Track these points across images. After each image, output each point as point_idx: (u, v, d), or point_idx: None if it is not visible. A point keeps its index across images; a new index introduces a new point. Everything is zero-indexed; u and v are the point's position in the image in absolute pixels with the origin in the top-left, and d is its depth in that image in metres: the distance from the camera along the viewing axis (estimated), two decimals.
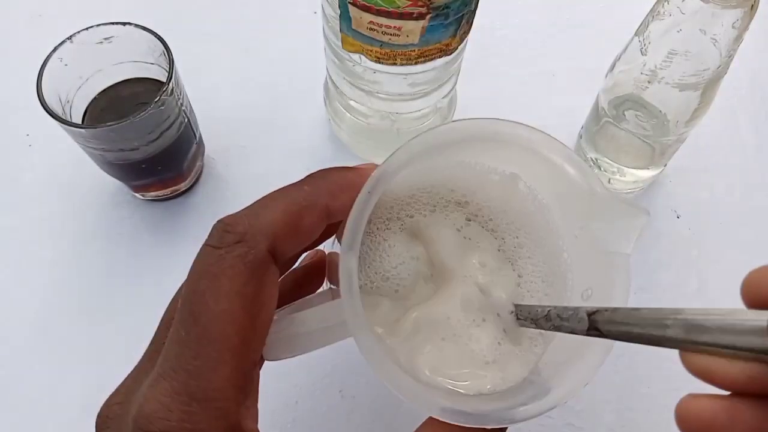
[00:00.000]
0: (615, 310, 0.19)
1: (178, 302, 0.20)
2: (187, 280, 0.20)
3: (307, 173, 0.22)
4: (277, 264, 0.20)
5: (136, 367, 0.21)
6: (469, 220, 0.26)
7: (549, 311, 0.21)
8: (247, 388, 0.19)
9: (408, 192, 0.25)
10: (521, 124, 0.22)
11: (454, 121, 0.22)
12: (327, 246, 0.27)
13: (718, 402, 0.16)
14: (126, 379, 0.21)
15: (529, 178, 0.25)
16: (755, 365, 0.15)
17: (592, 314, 0.19)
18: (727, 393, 0.16)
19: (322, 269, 0.28)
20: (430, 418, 0.20)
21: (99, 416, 0.20)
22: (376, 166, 0.21)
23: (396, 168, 0.20)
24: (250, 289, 0.19)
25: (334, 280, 0.25)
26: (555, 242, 0.25)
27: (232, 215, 0.20)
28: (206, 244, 0.20)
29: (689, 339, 0.16)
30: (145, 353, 0.21)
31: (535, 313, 0.22)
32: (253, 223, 0.20)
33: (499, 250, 0.25)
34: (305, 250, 0.23)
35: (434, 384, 0.22)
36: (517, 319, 0.23)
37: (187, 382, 0.18)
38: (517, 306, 0.24)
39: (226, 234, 0.20)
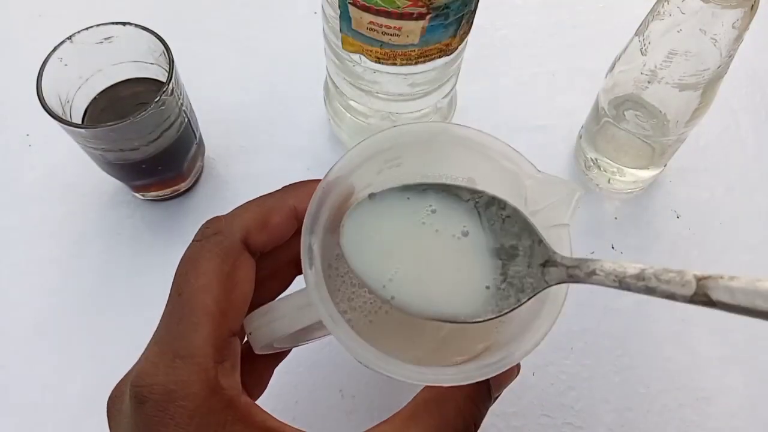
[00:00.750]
0: (732, 277, 0.18)
1: None
2: (176, 269, 0.24)
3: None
4: (252, 253, 0.24)
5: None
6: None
7: (643, 270, 0.19)
8: (224, 351, 0.22)
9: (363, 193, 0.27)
10: (454, 124, 0.24)
11: (396, 125, 0.24)
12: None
13: None
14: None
15: (483, 180, 0.26)
16: None
17: (702, 279, 0.18)
18: None
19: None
20: (426, 388, 0.23)
21: (109, 399, 0.23)
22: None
23: (345, 170, 0.24)
24: (225, 268, 0.23)
25: None
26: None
27: (213, 217, 0.24)
28: (192, 240, 0.24)
29: None
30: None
31: (621, 272, 0.20)
32: (228, 219, 0.24)
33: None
34: (279, 246, 0.26)
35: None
36: (592, 274, 0.21)
37: (172, 343, 0.21)
38: (586, 261, 0.21)
39: (206, 229, 0.24)
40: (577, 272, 0.21)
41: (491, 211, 0.23)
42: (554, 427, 0.37)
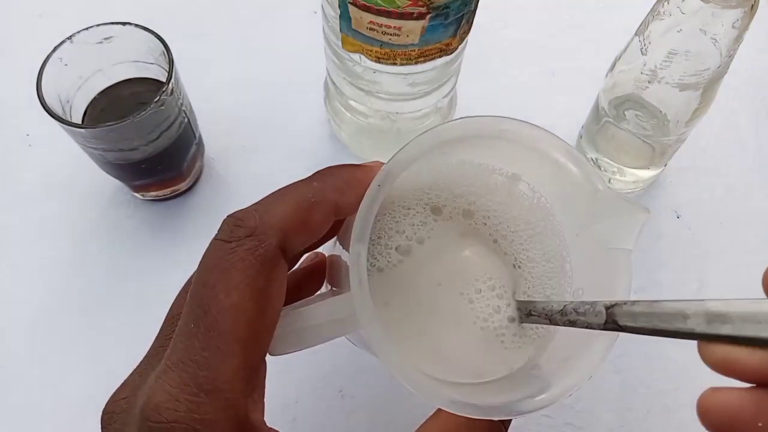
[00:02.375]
0: (634, 302, 0.18)
1: (186, 297, 0.20)
2: (196, 273, 0.20)
3: (307, 173, 0.22)
4: (287, 259, 0.20)
5: (141, 363, 0.21)
6: (473, 227, 0.26)
7: (565, 306, 0.21)
8: (254, 380, 0.19)
9: (412, 194, 0.25)
10: (525, 122, 0.22)
11: (459, 118, 0.22)
12: (326, 249, 0.27)
13: (744, 394, 0.16)
14: (131, 375, 0.21)
15: (530, 177, 0.25)
16: None
17: (610, 308, 0.19)
18: (748, 385, 0.16)
19: (322, 271, 0.28)
20: (439, 410, 0.20)
21: (104, 412, 0.20)
22: (382, 162, 0.21)
23: (405, 163, 0.20)
24: (260, 282, 0.19)
25: (335, 282, 0.26)
26: (556, 242, 0.25)
27: (242, 210, 0.20)
28: (216, 239, 0.20)
29: (710, 330, 0.16)
30: (151, 349, 0.21)
31: (549, 309, 0.22)
32: (263, 217, 0.20)
33: (505, 254, 0.26)
34: (312, 248, 0.23)
35: (435, 373, 0.23)
36: (529, 315, 0.23)
37: (196, 373, 0.18)
38: (525, 302, 0.23)
39: (237, 228, 0.20)
40: (519, 313, 0.23)
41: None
42: (554, 428, 0.37)
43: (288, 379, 0.38)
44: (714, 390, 0.17)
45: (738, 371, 0.16)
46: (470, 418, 0.19)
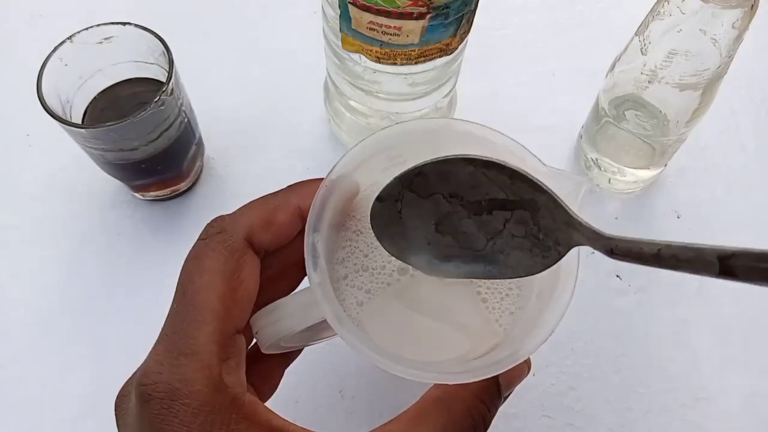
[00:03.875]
0: (754, 253, 0.16)
1: None
2: (182, 267, 0.23)
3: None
4: (256, 251, 0.24)
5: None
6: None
7: (659, 250, 0.18)
8: (229, 348, 0.22)
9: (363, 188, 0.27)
10: (455, 119, 0.24)
11: (401, 122, 0.25)
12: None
13: None
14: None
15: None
16: None
17: (726, 259, 0.16)
18: None
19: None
20: (435, 386, 0.22)
21: (117, 398, 0.23)
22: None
23: (349, 164, 0.24)
24: (229, 266, 0.23)
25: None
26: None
27: (218, 216, 0.24)
28: (197, 240, 0.24)
29: None
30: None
31: (637, 251, 0.20)
32: (233, 218, 0.24)
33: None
34: (285, 246, 0.25)
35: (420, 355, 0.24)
36: (612, 254, 0.21)
37: (176, 341, 0.21)
38: (612, 239, 0.21)
39: (210, 228, 0.24)
40: (601, 244, 0.21)
41: (492, 172, 0.22)
42: (555, 428, 0.37)
43: (288, 379, 0.38)
44: None
45: None
46: (463, 384, 0.22)
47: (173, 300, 0.22)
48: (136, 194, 0.43)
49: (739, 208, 0.45)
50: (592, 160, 0.43)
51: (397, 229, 0.24)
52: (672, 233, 0.44)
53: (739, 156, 0.47)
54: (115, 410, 0.22)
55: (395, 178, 0.23)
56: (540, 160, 0.24)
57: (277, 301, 0.24)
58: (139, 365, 0.22)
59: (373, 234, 0.25)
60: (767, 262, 0.15)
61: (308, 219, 0.23)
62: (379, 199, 0.23)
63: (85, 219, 0.43)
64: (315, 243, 0.23)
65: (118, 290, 0.41)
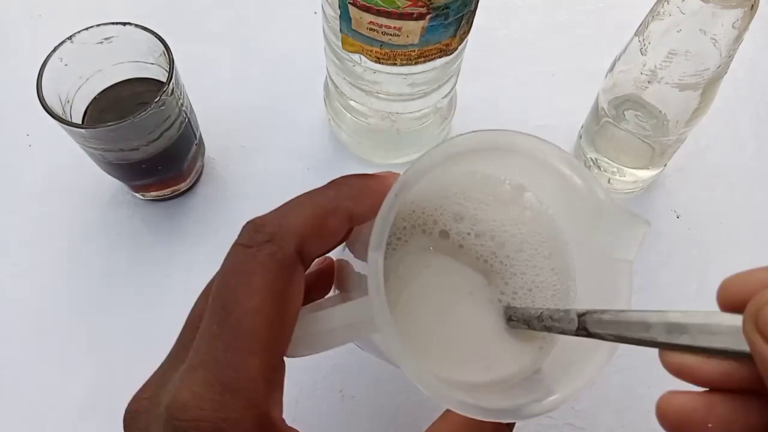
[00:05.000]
0: (603, 311, 0.20)
1: (207, 300, 0.20)
2: (218, 277, 0.21)
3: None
4: (304, 264, 0.21)
5: (163, 365, 0.22)
6: (476, 235, 0.26)
7: (541, 313, 0.22)
8: (275, 380, 0.20)
9: (422, 200, 0.26)
10: (533, 135, 0.23)
11: (471, 132, 0.22)
12: (334, 253, 0.27)
13: (697, 397, 0.18)
14: (153, 376, 0.21)
15: (536, 188, 0.26)
16: (729, 363, 0.17)
17: (582, 315, 0.20)
18: (702, 389, 0.18)
19: (331, 275, 0.29)
20: (448, 410, 0.21)
21: (127, 411, 0.21)
22: (395, 173, 0.22)
23: (420, 174, 0.21)
24: (280, 286, 0.20)
25: (343, 286, 0.27)
26: (562, 252, 0.26)
27: (261, 216, 0.21)
28: (237, 243, 0.21)
29: (670, 340, 0.18)
30: (172, 351, 0.22)
31: (527, 315, 0.23)
32: (282, 223, 0.21)
33: (502, 263, 0.26)
34: (325, 253, 0.24)
35: (446, 368, 0.24)
36: (509, 321, 0.24)
37: (220, 373, 0.19)
38: (509, 308, 0.24)
39: (257, 234, 0.20)
40: (511, 320, 0.24)
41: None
42: (555, 428, 0.37)
43: (288, 379, 0.38)
44: (671, 393, 0.18)
45: (693, 377, 0.18)
46: (477, 420, 0.20)
47: (211, 318, 0.20)
48: (136, 194, 0.43)
49: (739, 208, 0.45)
50: (592, 160, 0.43)
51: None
52: (672, 233, 0.44)
53: (739, 156, 0.47)
54: (126, 427, 0.20)
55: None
56: (608, 193, 0.23)
57: (319, 313, 0.22)
58: (153, 373, 0.21)
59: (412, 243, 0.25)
60: (613, 324, 0.19)
61: (373, 234, 0.20)
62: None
63: (85, 219, 0.43)
64: (378, 262, 0.20)
65: (118, 290, 0.41)
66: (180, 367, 0.20)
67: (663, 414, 0.18)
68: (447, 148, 0.21)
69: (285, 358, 0.25)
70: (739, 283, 0.17)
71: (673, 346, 0.18)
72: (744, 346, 0.16)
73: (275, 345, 0.20)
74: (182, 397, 0.18)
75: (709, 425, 0.17)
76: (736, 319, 0.16)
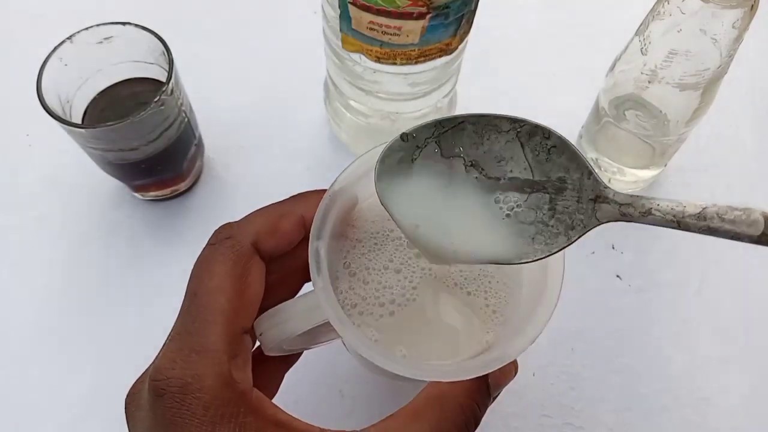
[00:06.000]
0: None
1: None
2: (191, 271, 0.24)
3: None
4: (262, 257, 0.25)
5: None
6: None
7: (705, 209, 0.19)
8: (237, 347, 0.23)
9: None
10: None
11: (401, 133, 0.24)
12: None
13: None
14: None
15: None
16: None
17: None
18: None
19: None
20: (430, 384, 0.23)
21: (127, 396, 0.23)
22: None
23: (350, 177, 0.25)
24: (237, 270, 0.24)
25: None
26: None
27: (226, 223, 0.26)
28: (207, 244, 0.25)
29: None
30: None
31: (678, 212, 0.20)
32: (240, 225, 0.25)
33: None
34: (288, 253, 0.27)
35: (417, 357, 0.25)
36: (648, 214, 0.21)
37: (188, 339, 0.22)
38: (643, 200, 0.22)
39: (219, 234, 0.25)
40: (631, 210, 0.21)
41: (534, 141, 0.22)
42: (554, 427, 0.37)
43: (288, 379, 0.38)
44: None
45: None
46: (455, 384, 0.23)
47: (183, 301, 0.24)
48: (136, 194, 0.43)
49: None
50: (592, 160, 0.43)
51: (401, 180, 0.23)
52: (672, 233, 0.43)
53: (739, 156, 0.47)
54: (126, 408, 0.23)
55: (433, 121, 0.22)
56: None
57: (281, 305, 0.25)
58: (150, 363, 0.23)
59: (371, 243, 0.26)
60: None
61: (312, 227, 0.24)
62: (403, 137, 0.23)
63: (85, 219, 0.43)
64: (318, 249, 0.24)
65: (118, 290, 0.41)
66: None
67: None
68: (374, 154, 0.24)
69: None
70: None
71: None
72: None
73: (235, 317, 0.23)
74: (160, 363, 0.22)
75: None
76: None
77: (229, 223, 0.26)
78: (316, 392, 0.38)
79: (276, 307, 0.25)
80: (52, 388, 0.38)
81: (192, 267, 0.24)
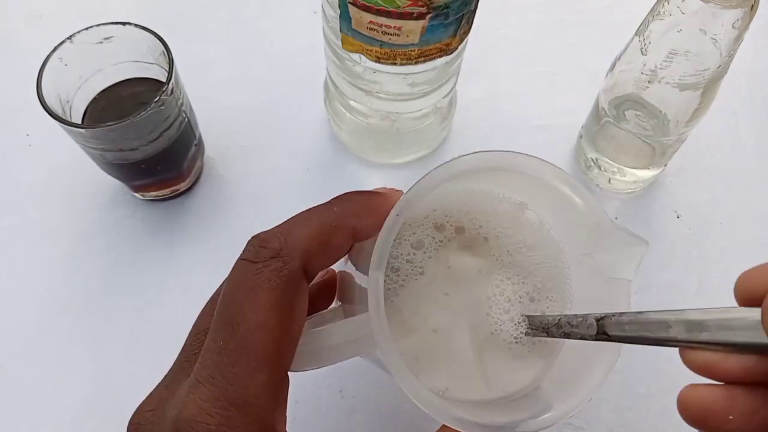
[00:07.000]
0: (621, 314, 0.20)
1: (211, 313, 0.21)
2: (224, 291, 0.21)
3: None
4: (308, 278, 0.21)
5: (167, 377, 0.22)
6: (481, 248, 0.26)
7: (559, 319, 0.22)
8: (280, 395, 0.20)
9: (424, 214, 0.26)
10: (534, 156, 0.23)
11: (473, 152, 0.23)
12: (338, 266, 0.27)
13: (717, 390, 0.18)
14: (156, 388, 0.22)
15: (536, 206, 0.26)
16: (750, 358, 0.17)
17: (600, 320, 0.21)
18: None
19: (333, 287, 0.29)
20: (444, 426, 0.21)
21: (131, 423, 0.21)
22: (398, 191, 0.23)
23: (421, 194, 0.22)
24: (285, 302, 0.20)
25: (345, 299, 0.27)
26: (559, 268, 0.26)
27: (266, 231, 0.21)
28: (242, 258, 0.21)
29: (690, 338, 0.18)
30: (176, 363, 0.22)
31: (546, 322, 0.23)
32: (287, 240, 0.21)
33: (507, 278, 0.26)
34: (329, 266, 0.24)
35: (443, 383, 0.24)
36: (530, 329, 0.24)
37: (226, 388, 0.19)
38: (528, 317, 0.25)
39: (262, 249, 0.21)
40: (531, 328, 0.24)
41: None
42: (554, 427, 0.37)
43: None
44: (692, 386, 0.19)
45: (715, 373, 0.18)
46: None
47: (217, 333, 0.20)
48: (136, 194, 0.43)
49: (739, 208, 0.45)
50: (592, 160, 0.43)
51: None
52: (672, 233, 0.44)
53: (739, 156, 0.47)
54: None
55: None
56: (607, 213, 0.23)
57: (322, 329, 0.22)
58: (159, 393, 0.21)
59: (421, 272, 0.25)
60: (633, 325, 0.20)
61: (377, 252, 0.20)
62: None
63: (85, 219, 0.43)
64: (379, 283, 0.20)
65: (118, 290, 0.41)
66: (184, 380, 0.20)
67: (685, 407, 0.19)
68: (449, 167, 0.22)
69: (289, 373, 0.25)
70: (756, 276, 0.17)
71: (693, 344, 0.18)
72: (764, 339, 0.16)
73: (280, 361, 0.20)
74: (189, 412, 0.19)
75: (730, 417, 0.18)
76: (754, 313, 0.17)
77: (270, 233, 0.21)
78: (316, 392, 0.38)
79: (315, 328, 0.22)
80: (52, 388, 0.38)
81: (224, 285, 0.21)
